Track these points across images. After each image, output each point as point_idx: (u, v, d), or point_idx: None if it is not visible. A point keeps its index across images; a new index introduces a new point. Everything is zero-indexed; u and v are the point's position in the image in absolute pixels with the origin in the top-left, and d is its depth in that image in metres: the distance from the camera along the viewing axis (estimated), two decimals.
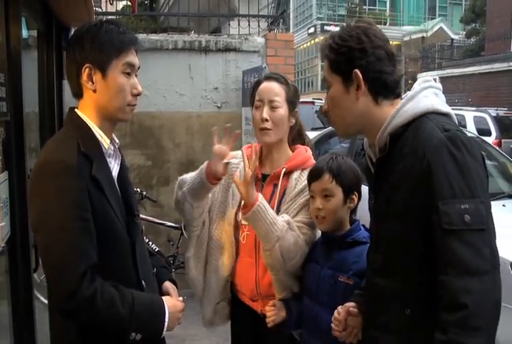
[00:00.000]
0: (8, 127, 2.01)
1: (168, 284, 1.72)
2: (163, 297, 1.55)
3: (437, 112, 1.35)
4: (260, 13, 5.79)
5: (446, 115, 1.37)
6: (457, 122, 1.41)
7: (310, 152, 2.09)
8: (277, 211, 1.94)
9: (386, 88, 1.39)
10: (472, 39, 25.70)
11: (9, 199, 1.98)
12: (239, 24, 5.51)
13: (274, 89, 1.99)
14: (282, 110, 1.98)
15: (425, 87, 1.41)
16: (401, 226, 1.32)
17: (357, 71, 1.36)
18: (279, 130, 2.00)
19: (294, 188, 1.98)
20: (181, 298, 1.66)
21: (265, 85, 2.02)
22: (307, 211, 1.94)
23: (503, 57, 13.23)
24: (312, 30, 40.64)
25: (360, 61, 1.36)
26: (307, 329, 1.89)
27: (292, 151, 2.08)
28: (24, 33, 2.62)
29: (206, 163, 2.05)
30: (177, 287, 1.75)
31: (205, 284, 2.14)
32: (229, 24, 5.81)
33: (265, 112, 1.96)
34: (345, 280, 1.76)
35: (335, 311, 1.65)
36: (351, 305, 1.62)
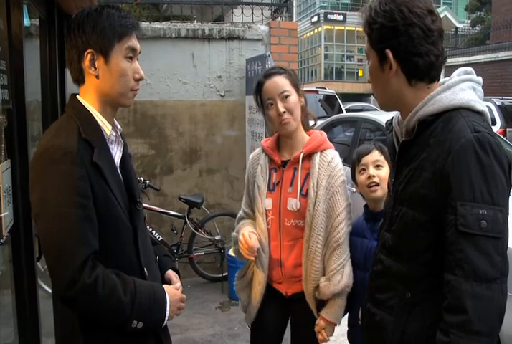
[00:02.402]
0: (10, 115, 2.00)
1: (170, 273, 1.71)
2: (164, 286, 1.55)
3: (471, 108, 1.31)
4: (264, 1, 5.74)
5: (480, 113, 1.32)
6: (490, 121, 1.37)
7: (325, 135, 2.21)
8: (302, 193, 2.08)
9: (418, 71, 1.34)
10: (477, 28, 25.50)
11: (12, 188, 1.97)
12: (242, 12, 5.46)
13: (279, 82, 2.08)
14: (293, 96, 2.08)
15: (464, 79, 1.36)
16: (412, 212, 1.32)
17: (388, 51, 1.32)
18: (296, 115, 2.10)
19: (318, 171, 2.08)
20: (178, 284, 1.65)
21: (269, 83, 2.10)
22: (341, 194, 2.08)
23: (509, 46, 13.12)
24: (315, 19, 40.38)
25: (391, 41, 1.32)
26: (359, 297, 2.04)
27: (308, 136, 2.19)
28: (26, 21, 2.60)
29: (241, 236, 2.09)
30: (180, 276, 1.74)
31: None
32: (233, 12, 5.76)
33: (280, 106, 2.06)
34: None
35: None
36: None
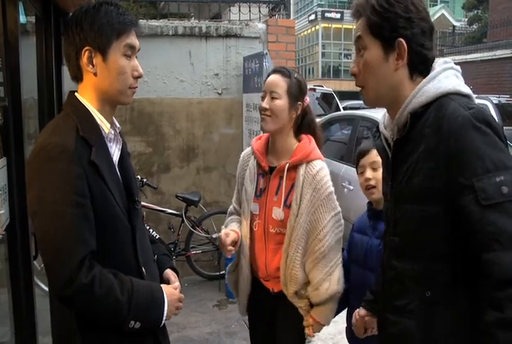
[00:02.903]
0: (6, 113, 1.99)
1: (169, 272, 1.70)
2: (162, 285, 1.54)
3: (458, 93, 1.31)
4: None
5: (467, 96, 1.32)
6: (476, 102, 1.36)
7: (313, 143, 2.17)
8: (287, 204, 2.09)
9: (425, 64, 1.34)
10: (474, 26, 25.51)
11: (8, 186, 1.96)
12: (239, 10, 5.45)
13: (275, 81, 2.12)
14: (281, 101, 2.10)
15: (446, 68, 1.36)
16: (419, 207, 1.29)
17: (402, 40, 1.30)
18: (277, 118, 2.11)
19: (302, 185, 2.07)
20: (177, 284, 1.64)
21: (270, 78, 2.15)
22: (326, 207, 2.07)
23: (506, 44, 13.12)
24: (312, 17, 40.39)
25: (405, 30, 1.30)
26: (356, 294, 2.07)
27: (298, 141, 2.17)
28: (22, 18, 2.58)
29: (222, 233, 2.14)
30: (178, 275, 1.73)
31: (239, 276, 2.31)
32: (230, 10, 5.75)
33: (265, 102, 2.11)
34: None
35: (353, 317, 1.90)
36: (363, 314, 1.86)
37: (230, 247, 2.07)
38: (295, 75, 2.16)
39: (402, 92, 1.35)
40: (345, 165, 5.30)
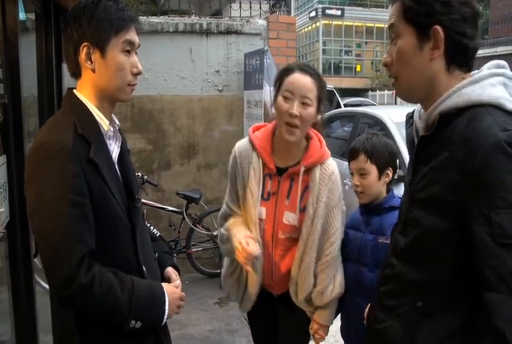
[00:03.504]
0: (5, 110, 1.98)
1: (170, 270, 1.69)
2: (163, 284, 1.52)
3: (500, 107, 1.16)
4: None
5: (510, 113, 1.16)
6: None
7: (324, 144, 2.06)
8: (301, 208, 1.98)
9: (465, 55, 1.21)
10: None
11: (8, 184, 1.95)
12: (240, 6, 5.43)
13: (308, 85, 1.91)
14: (313, 109, 1.92)
15: (495, 73, 1.21)
16: (431, 217, 1.19)
17: (438, 28, 1.17)
18: (305, 127, 1.96)
19: (318, 187, 1.96)
20: (178, 282, 1.63)
21: (299, 78, 1.92)
22: (339, 208, 2.03)
23: (507, 40, 13.10)
24: (313, 14, 40.33)
25: (442, 16, 1.16)
26: (351, 291, 2.06)
27: (305, 138, 2.04)
28: (22, 15, 2.57)
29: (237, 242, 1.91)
30: (179, 273, 1.72)
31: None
32: (231, 6, 5.72)
33: (296, 108, 1.89)
34: (385, 240, 1.93)
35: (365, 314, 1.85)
36: None
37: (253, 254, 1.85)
38: (321, 76, 2.00)
39: (437, 86, 1.23)
40: (345, 162, 5.28)
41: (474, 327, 1.14)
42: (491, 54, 13.13)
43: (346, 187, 5.08)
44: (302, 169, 1.97)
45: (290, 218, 1.99)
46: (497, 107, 1.16)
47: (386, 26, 1.30)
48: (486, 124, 1.11)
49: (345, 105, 12.28)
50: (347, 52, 41.14)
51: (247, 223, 2.03)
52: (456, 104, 1.18)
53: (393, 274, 1.34)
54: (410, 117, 1.41)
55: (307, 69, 1.95)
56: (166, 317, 1.45)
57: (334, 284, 2.02)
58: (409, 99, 1.34)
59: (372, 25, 38.53)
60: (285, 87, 1.93)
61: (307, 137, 2.04)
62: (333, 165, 2.03)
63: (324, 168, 1.99)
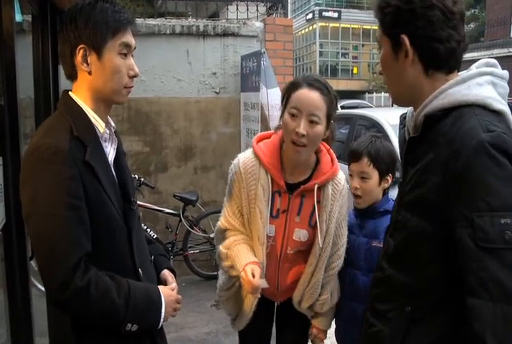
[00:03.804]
0: (2, 112, 1.97)
1: (166, 273, 1.68)
2: (159, 287, 1.52)
3: (486, 107, 1.14)
4: None
5: (496, 113, 1.14)
6: (511, 123, 1.18)
7: (335, 158, 2.00)
8: (311, 225, 1.92)
9: (438, 58, 1.20)
10: (471, 25, 25.53)
11: (4, 186, 1.94)
12: (237, 9, 5.43)
13: (316, 102, 1.80)
14: (321, 127, 1.82)
15: (484, 72, 1.20)
16: (417, 219, 1.18)
17: (404, 36, 1.18)
18: (313, 146, 1.87)
19: (331, 203, 1.91)
20: (174, 285, 1.62)
21: (307, 94, 1.81)
22: (346, 220, 2.01)
23: (503, 43, 13.15)
24: (310, 16, 40.39)
25: (407, 25, 1.18)
26: (344, 295, 2.05)
27: (315, 153, 1.96)
28: (18, 17, 2.56)
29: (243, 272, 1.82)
30: (175, 276, 1.72)
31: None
32: (227, 9, 5.74)
33: (303, 127, 1.78)
34: (378, 244, 1.92)
35: None
36: None
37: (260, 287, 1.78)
38: (331, 90, 1.86)
39: (421, 90, 1.23)
40: (342, 164, 5.29)
41: (463, 333, 1.10)
42: (487, 56, 13.18)
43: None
44: (316, 186, 1.88)
45: (301, 235, 1.93)
46: (484, 107, 1.14)
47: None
48: (470, 125, 1.09)
49: (342, 107, 12.31)
50: (344, 54, 41.23)
51: (253, 241, 1.94)
52: (442, 105, 1.17)
53: (383, 277, 1.32)
54: (404, 118, 1.41)
55: (315, 84, 1.82)
56: (162, 320, 1.45)
57: (334, 292, 2.02)
58: (399, 103, 1.37)
59: (369, 27, 38.62)
60: (291, 104, 1.83)
61: (317, 151, 1.97)
62: (343, 179, 1.97)
63: (336, 184, 1.94)
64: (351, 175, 2.04)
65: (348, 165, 2.05)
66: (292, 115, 1.81)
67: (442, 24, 1.17)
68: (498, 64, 1.23)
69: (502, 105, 1.16)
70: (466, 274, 1.06)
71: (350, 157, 2.05)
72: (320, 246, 1.91)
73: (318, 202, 1.91)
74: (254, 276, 1.75)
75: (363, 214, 2.06)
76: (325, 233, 1.91)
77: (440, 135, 1.15)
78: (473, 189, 1.05)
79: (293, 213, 1.92)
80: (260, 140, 2.02)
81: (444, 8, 1.17)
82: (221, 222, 2.03)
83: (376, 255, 1.78)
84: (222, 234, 2.03)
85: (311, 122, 1.79)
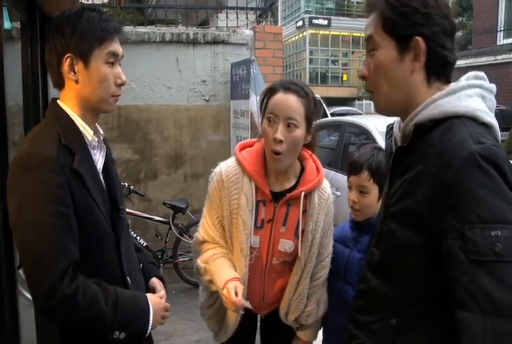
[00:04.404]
0: None
1: (155, 281, 1.68)
2: (147, 294, 1.52)
3: (476, 119, 1.13)
4: (248, 6, 5.74)
5: (485, 125, 1.14)
6: (499, 136, 1.17)
7: (320, 165, 1.94)
8: (297, 235, 1.86)
9: (444, 67, 1.19)
10: (459, 33, 25.83)
11: None
12: (227, 16, 5.46)
13: (292, 105, 1.73)
14: (300, 131, 1.75)
15: (473, 84, 1.18)
16: (404, 231, 1.16)
17: (419, 39, 1.14)
18: (293, 152, 1.79)
19: (317, 213, 1.86)
20: (162, 292, 1.62)
21: (282, 98, 1.75)
22: (331, 230, 1.96)
23: (490, 51, 13.29)
24: (300, 23, 40.61)
25: (423, 28, 1.14)
26: (334, 308, 1.98)
27: (299, 160, 1.91)
28: (7, 24, 2.56)
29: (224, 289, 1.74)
30: (164, 283, 1.71)
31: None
32: (217, 17, 5.75)
33: (280, 133, 1.72)
34: None
35: None
36: None
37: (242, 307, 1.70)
38: (310, 93, 1.80)
39: (416, 98, 1.19)
40: (332, 172, 5.32)
41: None
42: (475, 64, 13.31)
43: (333, 196, 5.10)
44: (302, 194, 1.82)
45: (286, 245, 1.86)
46: (473, 119, 1.13)
47: (364, 36, 1.26)
48: (460, 136, 1.08)
49: (332, 114, 12.35)
50: (334, 62, 41.44)
51: (235, 253, 1.87)
52: (432, 116, 1.15)
53: (367, 288, 1.29)
54: (391, 128, 1.38)
55: (292, 87, 1.76)
56: (150, 327, 1.45)
57: (319, 304, 1.97)
58: (387, 112, 1.29)
59: (358, 35, 38.88)
60: (268, 109, 1.78)
61: (301, 158, 1.91)
62: (329, 187, 1.94)
63: (321, 193, 1.89)
64: (349, 186, 1.94)
65: (348, 176, 1.95)
66: (270, 121, 1.76)
67: (450, 35, 1.18)
68: (486, 77, 1.22)
69: (491, 118, 1.16)
70: (455, 287, 1.03)
71: (349, 169, 1.93)
72: (305, 256, 1.87)
73: (304, 211, 1.85)
74: (237, 294, 1.69)
75: (360, 228, 1.95)
76: (310, 243, 1.86)
77: (429, 145, 1.13)
78: (463, 201, 1.03)
79: (278, 223, 1.85)
80: (243, 148, 1.96)
81: (452, 22, 1.20)
82: (200, 233, 1.96)
83: None
84: (200, 247, 1.95)
85: (289, 126, 1.73)
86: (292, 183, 1.88)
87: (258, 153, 1.88)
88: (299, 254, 1.86)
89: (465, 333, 1.00)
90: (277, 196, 1.85)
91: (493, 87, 1.22)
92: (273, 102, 1.77)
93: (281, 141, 1.72)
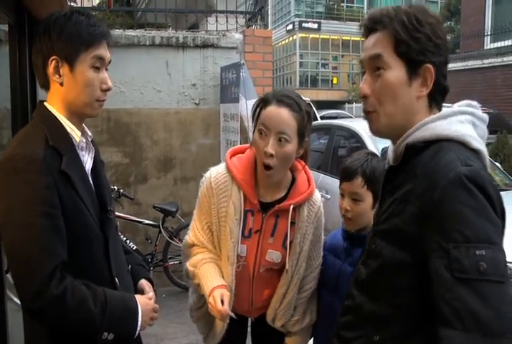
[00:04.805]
0: None
1: (143, 282, 1.68)
2: (136, 295, 1.52)
3: (465, 144, 1.15)
4: (238, 10, 5.76)
5: (473, 151, 1.16)
6: (487, 163, 1.19)
7: (311, 177, 1.91)
8: (285, 246, 1.84)
9: (443, 96, 1.23)
10: (447, 37, 26.07)
11: None
12: (216, 20, 5.47)
13: (285, 119, 1.69)
14: (291, 146, 1.71)
15: (465, 111, 1.21)
16: (392, 248, 1.17)
17: (430, 66, 1.17)
18: (284, 166, 1.76)
19: (306, 225, 1.84)
20: (151, 294, 1.62)
21: (275, 111, 1.71)
22: (321, 242, 1.93)
23: (477, 55, 13.41)
24: (290, 27, 40.71)
25: (433, 56, 1.18)
26: (323, 321, 1.92)
27: (290, 170, 1.88)
28: None
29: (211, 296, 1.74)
30: (153, 285, 1.71)
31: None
32: (207, 20, 5.77)
33: (271, 147, 1.69)
34: None
35: None
36: None
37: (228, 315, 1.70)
38: (304, 106, 1.75)
39: (414, 123, 1.20)
40: (322, 175, 5.34)
41: None
42: (463, 67, 13.43)
43: (322, 199, 5.12)
44: (292, 207, 1.80)
45: (273, 256, 1.85)
46: (463, 144, 1.15)
47: (366, 55, 1.24)
48: (449, 158, 1.10)
49: (322, 118, 12.38)
50: (324, 65, 41.59)
51: (222, 260, 1.86)
52: (423, 137, 1.17)
53: (353, 305, 1.29)
54: (385, 151, 1.40)
55: (285, 100, 1.71)
56: (139, 328, 1.45)
57: (307, 314, 1.96)
58: (385, 133, 1.27)
59: (348, 38, 39.07)
60: (260, 121, 1.74)
61: (293, 169, 1.89)
62: (319, 200, 1.91)
63: (311, 205, 1.86)
64: (341, 194, 1.84)
65: (340, 183, 1.85)
66: (261, 133, 1.73)
67: (447, 66, 1.23)
68: (478, 106, 1.25)
69: (480, 145, 1.18)
70: (439, 304, 1.04)
71: (342, 175, 1.83)
72: (292, 268, 1.85)
73: (293, 223, 1.83)
74: (223, 302, 1.68)
75: (352, 239, 1.86)
76: (298, 255, 1.84)
77: (419, 166, 1.15)
78: (448, 220, 1.05)
79: (267, 233, 1.83)
80: (234, 154, 1.93)
81: (449, 55, 1.23)
82: (189, 236, 1.96)
83: None
84: (189, 250, 1.95)
85: (280, 140, 1.70)
86: (283, 194, 1.85)
87: (249, 161, 1.85)
88: (286, 266, 1.84)
89: None
90: (266, 207, 1.83)
91: (486, 116, 1.24)
92: (265, 115, 1.73)
93: (272, 155, 1.70)
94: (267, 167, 1.73)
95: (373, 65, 1.22)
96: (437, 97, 1.22)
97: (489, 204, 1.05)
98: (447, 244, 1.04)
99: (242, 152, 1.94)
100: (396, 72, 1.19)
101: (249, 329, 2.20)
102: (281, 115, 1.70)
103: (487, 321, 0.98)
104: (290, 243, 1.84)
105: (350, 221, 1.81)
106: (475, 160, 1.12)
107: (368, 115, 1.25)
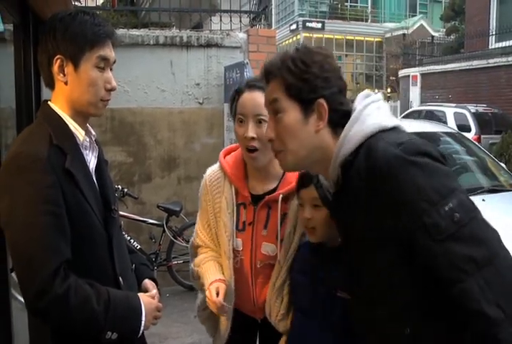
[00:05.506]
0: None
1: (147, 282, 1.68)
2: (139, 294, 1.51)
3: (384, 129, 1.23)
4: (242, 9, 5.76)
5: (394, 128, 1.25)
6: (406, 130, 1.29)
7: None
8: (280, 239, 1.81)
9: (346, 117, 1.28)
10: (452, 37, 25.94)
11: None
12: (220, 20, 5.47)
13: (259, 102, 1.66)
14: None
15: (366, 103, 1.29)
16: (380, 254, 1.21)
17: (322, 101, 1.25)
18: (269, 148, 1.69)
19: (296, 217, 1.80)
20: (154, 291, 1.61)
21: (248, 97, 1.75)
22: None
23: (482, 54, 13.36)
24: (294, 26, 40.66)
25: (324, 90, 1.26)
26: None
27: None
28: (0, 27, 2.56)
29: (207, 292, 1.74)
30: (157, 285, 1.71)
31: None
32: (211, 20, 5.77)
33: (251, 130, 1.71)
34: (347, 296, 1.50)
35: None
36: None
37: (224, 305, 1.69)
38: None
39: (327, 150, 1.28)
40: None
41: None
42: (467, 67, 13.40)
43: None
44: (280, 197, 1.79)
45: (268, 249, 1.83)
46: (383, 130, 1.23)
47: (265, 100, 1.36)
48: (381, 149, 1.16)
49: None
50: None
51: (222, 257, 1.88)
52: (350, 149, 1.23)
53: (370, 326, 1.31)
54: (317, 180, 1.47)
55: (256, 85, 1.74)
56: (142, 327, 1.44)
57: (290, 311, 1.87)
58: (295, 168, 1.43)
59: (352, 38, 39.00)
60: (237, 111, 1.78)
61: None
62: None
63: None
64: (301, 204, 1.70)
65: (297, 193, 1.71)
66: (241, 121, 1.76)
67: (344, 92, 1.32)
68: (372, 93, 1.34)
69: (395, 121, 1.28)
70: (439, 271, 1.10)
71: (299, 183, 1.69)
72: (284, 258, 1.81)
73: (285, 214, 1.81)
74: (218, 294, 1.68)
75: (323, 254, 1.68)
76: (288, 247, 1.81)
77: (361, 180, 1.19)
78: (411, 198, 1.11)
79: (260, 225, 1.83)
80: (228, 153, 1.98)
81: (344, 83, 1.33)
82: (194, 238, 2.00)
83: (340, 308, 1.57)
84: (194, 251, 1.99)
85: (260, 122, 1.72)
86: (274, 185, 1.86)
87: (238, 157, 1.90)
88: (278, 256, 1.82)
89: (466, 299, 1.06)
90: (257, 199, 1.84)
91: (380, 95, 1.34)
92: (240, 103, 1.77)
93: (253, 138, 1.72)
94: (251, 150, 1.74)
95: (273, 109, 1.32)
96: (340, 121, 1.28)
97: (436, 161, 1.14)
98: (420, 218, 1.10)
99: (235, 150, 1.98)
100: (292, 113, 1.28)
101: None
102: (254, 98, 1.73)
103: (482, 255, 1.06)
104: (281, 233, 1.84)
105: (313, 230, 1.66)
106: (401, 134, 1.22)
107: (276, 155, 1.36)
